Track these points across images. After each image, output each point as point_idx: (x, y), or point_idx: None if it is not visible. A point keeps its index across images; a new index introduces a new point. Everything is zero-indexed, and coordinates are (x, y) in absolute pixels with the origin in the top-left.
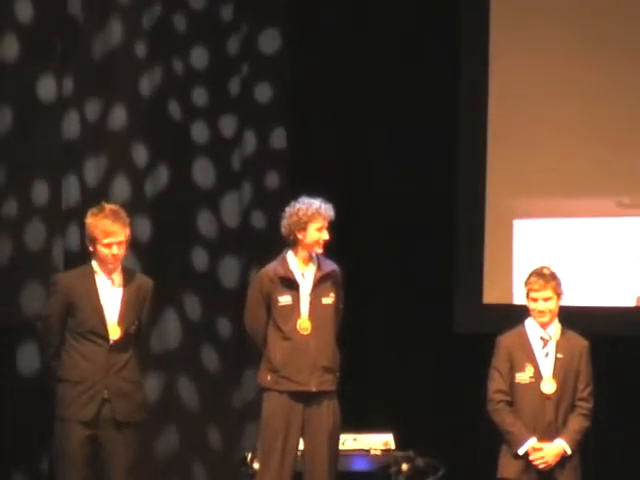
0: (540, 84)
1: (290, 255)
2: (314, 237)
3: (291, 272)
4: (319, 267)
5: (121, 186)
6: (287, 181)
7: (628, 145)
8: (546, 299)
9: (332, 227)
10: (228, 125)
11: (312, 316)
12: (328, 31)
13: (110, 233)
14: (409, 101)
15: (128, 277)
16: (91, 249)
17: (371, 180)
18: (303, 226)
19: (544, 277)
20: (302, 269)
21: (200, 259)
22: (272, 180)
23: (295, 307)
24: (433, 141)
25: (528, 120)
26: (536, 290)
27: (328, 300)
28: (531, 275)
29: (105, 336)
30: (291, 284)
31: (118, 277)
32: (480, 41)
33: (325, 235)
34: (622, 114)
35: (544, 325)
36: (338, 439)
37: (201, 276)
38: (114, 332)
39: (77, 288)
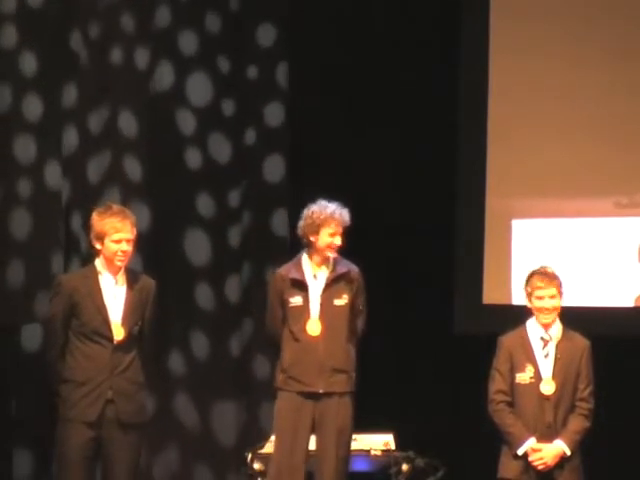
0: (540, 85)
1: (304, 257)
2: (326, 242)
3: (302, 273)
4: (333, 269)
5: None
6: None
7: (626, 145)
8: (552, 297)
9: None
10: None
11: (323, 317)
12: (327, 31)
13: (120, 229)
14: (409, 101)
15: (131, 278)
16: (98, 246)
17: (370, 181)
18: (316, 229)
19: (548, 275)
20: (315, 270)
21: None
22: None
23: (305, 308)
24: (433, 141)
25: (527, 121)
26: (542, 288)
27: (341, 302)
28: (533, 275)
29: (109, 336)
30: (301, 285)
31: (122, 277)
32: (480, 41)
33: (337, 241)
34: (621, 114)
35: (547, 326)
36: (348, 439)
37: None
38: (118, 332)
39: (80, 289)
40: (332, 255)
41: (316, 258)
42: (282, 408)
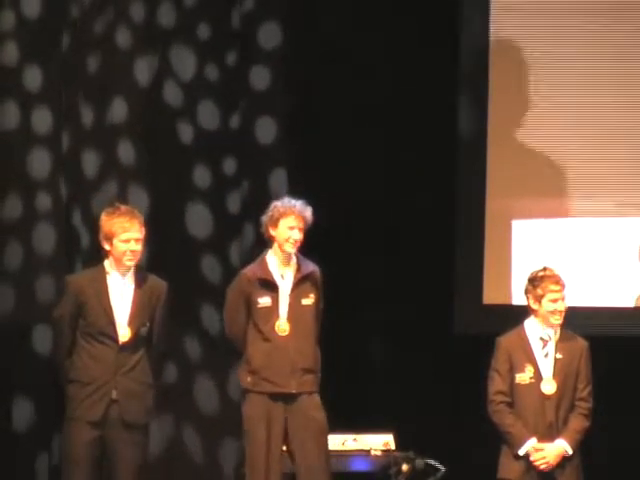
0: (539, 85)
1: (269, 256)
2: (284, 234)
3: (270, 273)
4: (299, 268)
5: None
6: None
7: (626, 145)
8: (563, 299)
9: (333, 227)
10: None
11: (291, 317)
12: (328, 30)
13: (128, 229)
14: (409, 101)
15: (141, 278)
16: (107, 247)
17: (371, 180)
18: (275, 222)
19: (558, 278)
20: (281, 270)
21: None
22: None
23: (274, 308)
24: (433, 142)
25: (527, 121)
26: (557, 291)
27: (308, 301)
28: (544, 278)
29: (114, 337)
30: (270, 285)
31: (130, 278)
32: (480, 41)
33: (296, 234)
34: (621, 114)
35: (554, 326)
36: (325, 436)
37: None
38: (124, 333)
39: (87, 289)
40: (291, 251)
41: (279, 255)
42: (253, 413)
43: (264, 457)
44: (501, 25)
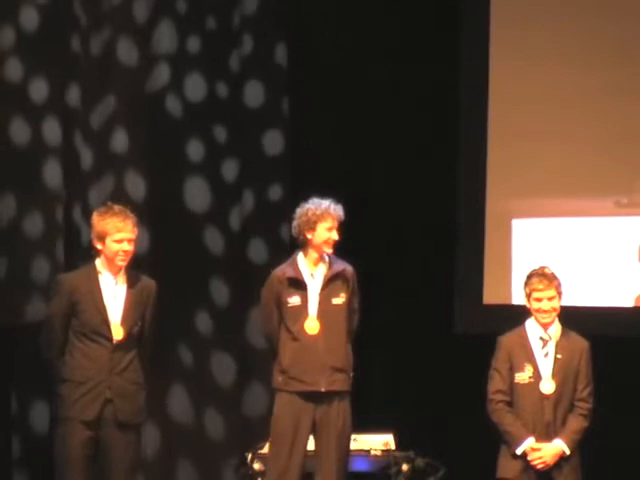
0: (540, 85)
1: (300, 256)
2: (323, 237)
3: (299, 272)
4: (330, 267)
5: None
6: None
7: (626, 145)
8: (550, 298)
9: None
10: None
11: (321, 316)
12: (328, 30)
13: (121, 229)
14: (409, 102)
15: (132, 278)
16: (99, 246)
17: (371, 180)
18: (312, 226)
19: (547, 277)
20: (312, 269)
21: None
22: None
23: (303, 308)
24: (433, 142)
25: (527, 121)
26: (540, 290)
27: (338, 300)
28: (533, 276)
29: (108, 336)
30: (299, 285)
31: (122, 278)
32: (480, 42)
33: (334, 235)
34: (620, 115)
35: (546, 325)
36: (348, 441)
37: None
38: (117, 332)
39: (80, 288)
40: (329, 251)
41: (312, 256)
42: (281, 413)
43: (286, 457)
44: (502, 26)
